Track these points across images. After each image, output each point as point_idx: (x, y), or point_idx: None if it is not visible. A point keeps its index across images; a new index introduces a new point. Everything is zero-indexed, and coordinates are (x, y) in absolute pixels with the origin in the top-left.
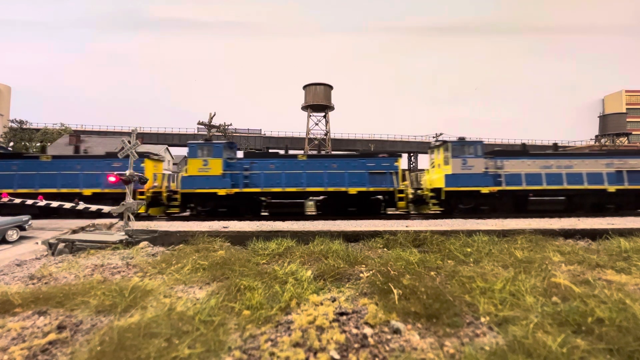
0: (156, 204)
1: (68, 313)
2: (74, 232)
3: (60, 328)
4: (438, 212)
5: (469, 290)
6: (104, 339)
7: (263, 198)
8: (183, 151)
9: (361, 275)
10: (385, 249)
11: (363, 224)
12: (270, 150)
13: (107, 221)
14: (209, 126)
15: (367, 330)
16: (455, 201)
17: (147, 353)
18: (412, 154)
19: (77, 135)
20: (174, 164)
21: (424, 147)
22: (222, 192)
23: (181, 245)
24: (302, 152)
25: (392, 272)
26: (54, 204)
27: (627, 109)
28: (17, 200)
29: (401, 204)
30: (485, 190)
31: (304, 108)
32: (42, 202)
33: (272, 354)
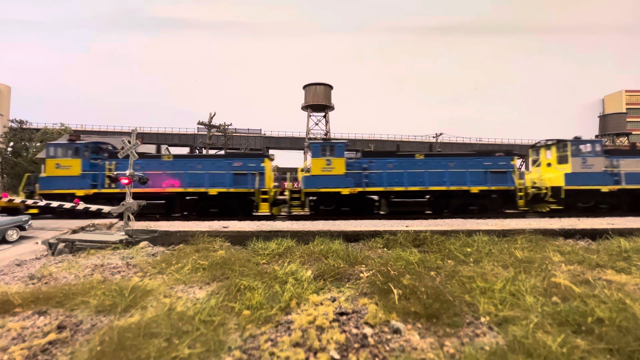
0: (275, 204)
1: (68, 313)
2: (74, 232)
3: (60, 328)
4: (560, 208)
5: (469, 290)
6: (104, 338)
7: (376, 197)
8: (183, 151)
9: (361, 275)
10: (385, 249)
11: (363, 223)
12: (386, 150)
13: (107, 221)
14: (209, 126)
15: (367, 330)
16: (573, 200)
17: (147, 353)
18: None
19: (77, 135)
20: None
21: (424, 147)
22: (345, 191)
23: (181, 245)
24: (418, 151)
25: (392, 272)
26: (54, 203)
27: (627, 109)
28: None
29: (521, 202)
30: (605, 189)
31: (304, 108)
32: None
33: (272, 353)
